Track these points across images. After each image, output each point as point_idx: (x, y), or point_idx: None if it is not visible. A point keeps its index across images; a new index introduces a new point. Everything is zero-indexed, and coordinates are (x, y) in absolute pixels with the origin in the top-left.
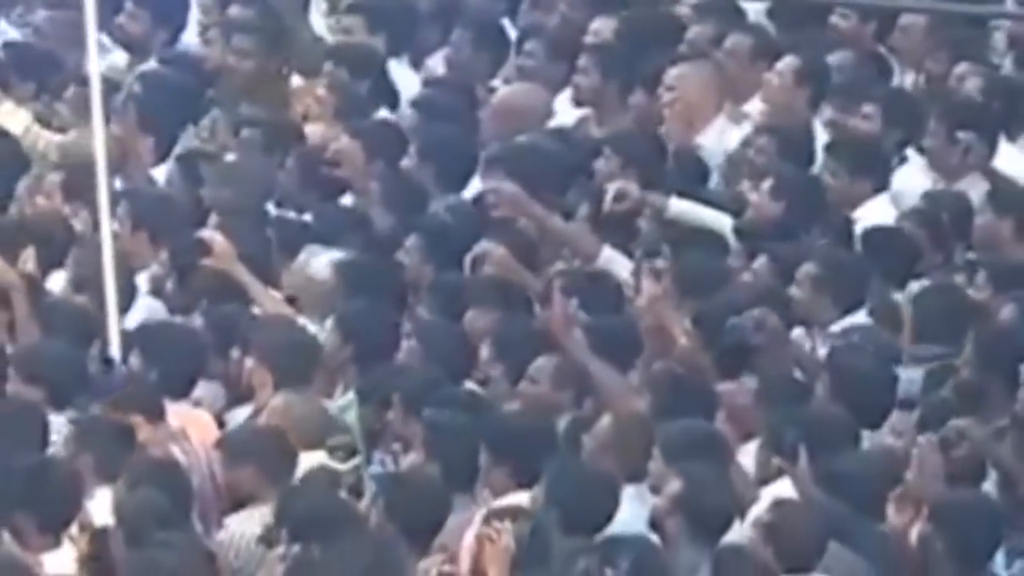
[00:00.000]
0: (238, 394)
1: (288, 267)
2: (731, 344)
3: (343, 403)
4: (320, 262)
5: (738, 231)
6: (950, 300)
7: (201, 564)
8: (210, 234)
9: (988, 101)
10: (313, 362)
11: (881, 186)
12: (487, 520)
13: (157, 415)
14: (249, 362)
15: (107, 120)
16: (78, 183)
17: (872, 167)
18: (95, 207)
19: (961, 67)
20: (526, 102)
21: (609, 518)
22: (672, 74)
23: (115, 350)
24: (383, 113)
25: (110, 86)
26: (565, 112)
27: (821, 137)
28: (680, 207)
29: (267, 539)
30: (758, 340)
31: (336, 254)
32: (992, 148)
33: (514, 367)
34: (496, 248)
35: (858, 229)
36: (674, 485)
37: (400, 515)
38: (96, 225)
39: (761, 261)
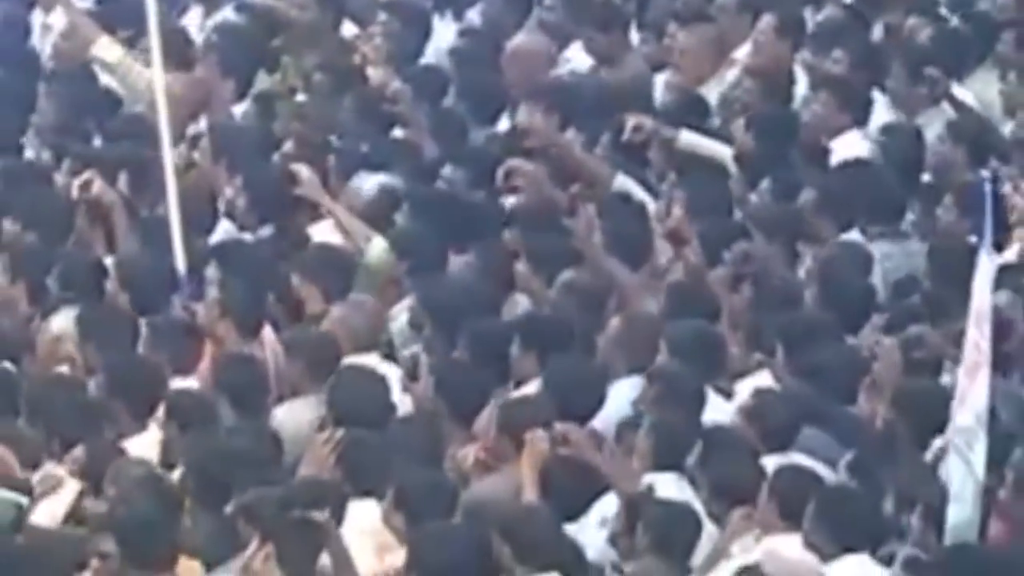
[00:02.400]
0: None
1: (344, 190)
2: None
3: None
4: (369, 183)
5: (737, 159)
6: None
7: (271, 447)
8: (298, 166)
9: (939, 48)
10: (351, 277)
11: (861, 121)
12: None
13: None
14: (296, 278)
15: (191, 66)
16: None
17: (851, 103)
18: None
19: (912, 20)
20: (533, 48)
21: (599, 404)
22: (676, 33)
23: (180, 264)
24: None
25: (188, 36)
26: (579, 59)
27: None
28: (688, 138)
29: (322, 426)
30: (746, 269)
31: (382, 178)
32: (949, 84)
33: (548, 277)
34: (525, 163)
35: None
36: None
37: (448, 398)
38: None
39: (763, 186)
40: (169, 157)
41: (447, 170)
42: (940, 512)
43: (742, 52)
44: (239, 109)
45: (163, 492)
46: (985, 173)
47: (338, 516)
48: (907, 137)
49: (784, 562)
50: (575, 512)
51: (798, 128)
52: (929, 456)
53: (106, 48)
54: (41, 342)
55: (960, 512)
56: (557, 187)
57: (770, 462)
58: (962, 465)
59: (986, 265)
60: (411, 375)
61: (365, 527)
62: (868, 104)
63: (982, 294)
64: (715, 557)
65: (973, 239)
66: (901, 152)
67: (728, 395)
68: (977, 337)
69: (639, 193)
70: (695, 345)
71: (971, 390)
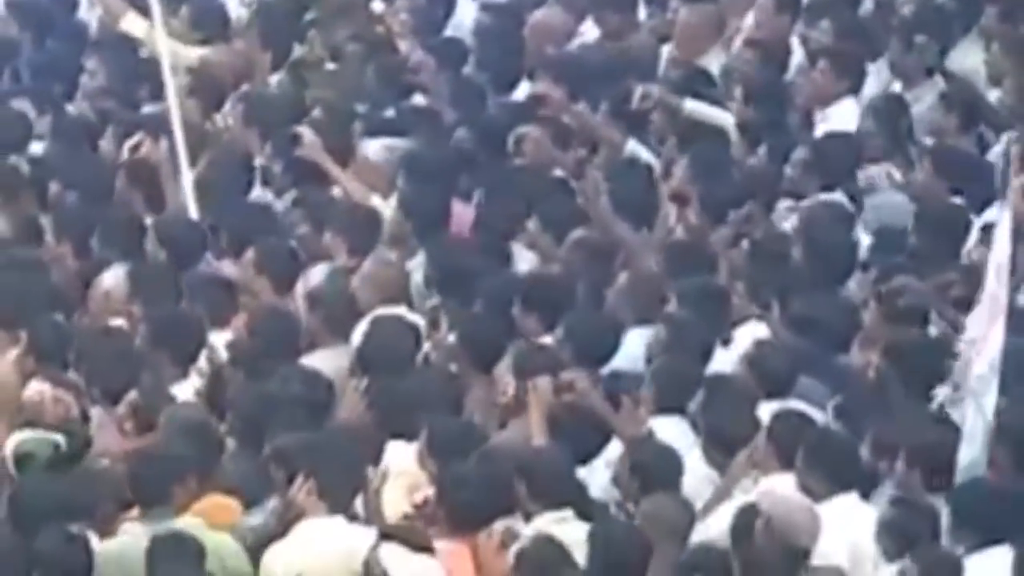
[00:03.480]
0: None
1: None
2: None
3: None
4: (374, 146)
5: (738, 126)
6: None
7: (323, 392)
8: (303, 129)
9: (926, 20)
10: (377, 232)
11: (855, 89)
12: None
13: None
14: (327, 234)
15: (229, 39)
16: (202, 87)
17: (846, 73)
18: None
19: None
20: (552, 23)
21: (612, 352)
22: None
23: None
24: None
25: (226, 12)
26: (591, 32)
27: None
28: (693, 106)
29: (354, 374)
30: (746, 229)
31: (388, 141)
32: (944, 51)
33: (558, 235)
34: (533, 130)
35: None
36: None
37: (468, 346)
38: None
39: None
40: (177, 118)
41: (463, 135)
42: (925, 456)
43: (742, 25)
44: (275, 79)
45: (207, 434)
46: (1005, 136)
47: (376, 456)
48: (893, 104)
49: (780, 501)
50: (580, 454)
51: (794, 96)
52: (936, 404)
53: (132, 22)
54: (93, 297)
55: (970, 451)
56: (567, 152)
57: (768, 408)
58: (975, 409)
59: (1006, 219)
60: (432, 327)
61: (398, 467)
62: (862, 73)
63: (1002, 246)
64: (717, 499)
65: (958, 199)
66: (889, 118)
67: (726, 343)
68: (995, 288)
69: (649, 158)
70: (701, 298)
71: (989, 338)
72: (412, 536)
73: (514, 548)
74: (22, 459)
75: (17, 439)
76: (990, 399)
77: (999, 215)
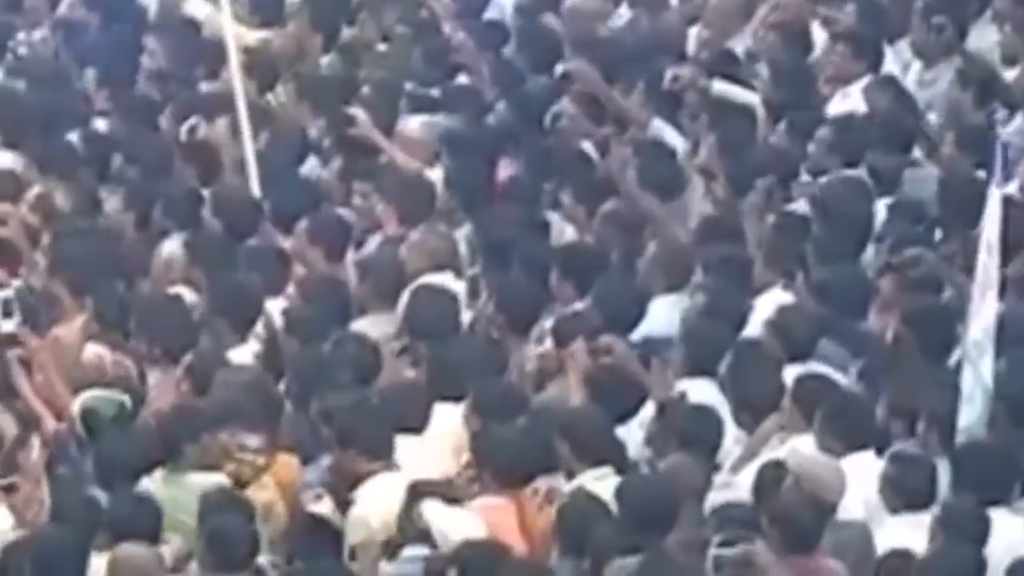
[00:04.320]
0: (368, 227)
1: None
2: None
3: None
4: (414, 122)
5: (765, 104)
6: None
7: (372, 356)
8: (355, 110)
9: (943, 2)
10: (427, 203)
11: (874, 69)
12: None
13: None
14: (380, 203)
15: (283, 22)
16: (258, 67)
17: (865, 54)
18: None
19: None
20: (587, 6)
21: (639, 319)
22: None
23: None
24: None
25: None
26: (626, 15)
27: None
28: (721, 87)
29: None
30: (769, 208)
31: (428, 118)
32: (961, 32)
33: (591, 208)
34: (568, 107)
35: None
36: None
37: (505, 312)
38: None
39: (781, 128)
40: (241, 97)
41: (503, 112)
42: (946, 416)
43: (766, 9)
44: (325, 60)
45: (266, 394)
46: (998, 115)
47: (423, 418)
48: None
49: (805, 458)
50: (615, 415)
51: (816, 76)
52: (952, 366)
53: (196, 6)
54: (154, 266)
55: (971, 414)
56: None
57: (791, 371)
58: (972, 373)
59: (996, 197)
60: (472, 294)
61: (445, 429)
62: (880, 54)
63: (992, 222)
64: (745, 459)
65: (979, 174)
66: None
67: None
68: (987, 261)
69: (672, 135)
70: (726, 267)
71: (981, 308)
72: (452, 492)
73: (555, 504)
74: (88, 416)
75: (84, 398)
76: (987, 363)
77: (989, 192)
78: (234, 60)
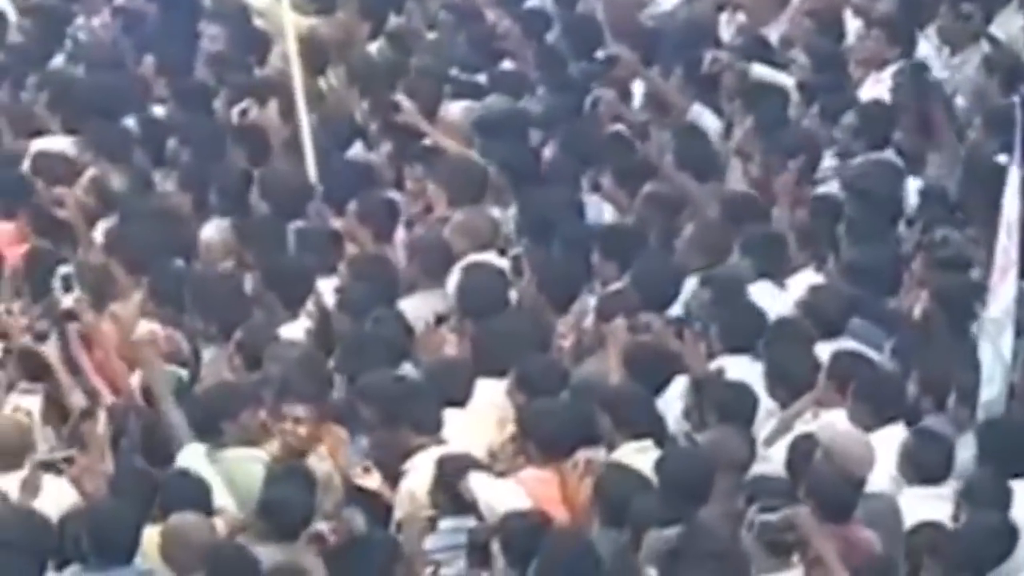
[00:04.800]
0: (417, 208)
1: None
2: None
3: None
4: (456, 108)
5: (799, 86)
6: None
7: (404, 335)
8: (400, 97)
9: None
10: (475, 185)
11: (908, 55)
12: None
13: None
14: (431, 185)
15: (332, 11)
16: (308, 53)
17: (898, 40)
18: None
19: None
20: None
21: (675, 297)
22: None
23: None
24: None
25: None
26: (667, 2)
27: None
28: (757, 70)
29: (440, 319)
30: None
31: (470, 103)
32: (988, 18)
33: (631, 189)
34: (608, 92)
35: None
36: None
37: (548, 289)
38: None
39: (813, 112)
40: (299, 85)
41: (546, 97)
42: (973, 391)
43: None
44: (373, 46)
45: (315, 369)
46: (1016, 98)
47: (466, 393)
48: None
49: (836, 431)
50: (654, 389)
51: (848, 61)
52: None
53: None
54: (207, 245)
55: (990, 391)
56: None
57: (824, 348)
58: (992, 351)
59: (1016, 179)
60: (516, 272)
61: (489, 402)
62: (913, 40)
63: (1012, 205)
64: (779, 432)
65: (1002, 156)
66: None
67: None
68: (1007, 243)
69: (710, 119)
70: (761, 246)
71: (1000, 288)
72: (489, 465)
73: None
74: (148, 391)
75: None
76: (1006, 341)
77: (1010, 173)
78: (292, 48)
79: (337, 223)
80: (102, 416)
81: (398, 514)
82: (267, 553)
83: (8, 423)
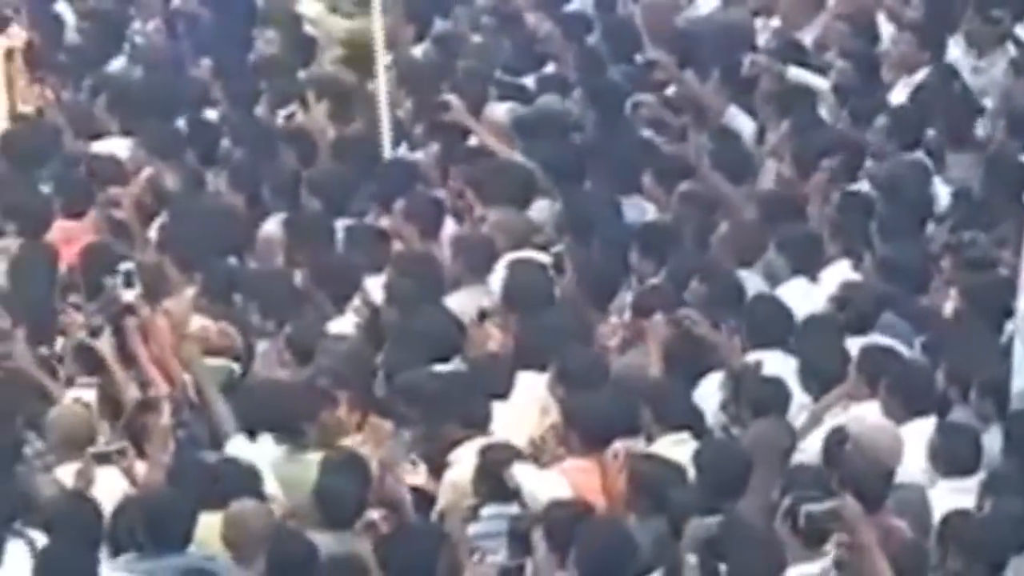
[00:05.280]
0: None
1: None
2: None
3: None
4: (500, 109)
5: (835, 89)
6: None
7: (454, 331)
8: (449, 97)
9: None
10: (518, 186)
11: (938, 58)
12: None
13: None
14: (468, 189)
15: (382, 11)
16: (356, 56)
17: (929, 43)
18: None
19: None
20: None
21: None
22: None
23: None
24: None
25: None
26: (705, 6)
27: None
28: (795, 72)
29: (483, 314)
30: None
31: (513, 105)
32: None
33: (668, 189)
34: (648, 96)
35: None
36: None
37: (588, 285)
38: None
39: (845, 113)
40: (383, 85)
41: (583, 99)
42: (1000, 385)
43: (833, 1)
44: (418, 49)
45: (362, 363)
46: None
47: (507, 386)
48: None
49: (865, 424)
50: (693, 382)
51: (881, 64)
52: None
53: (307, 4)
54: (259, 242)
55: (1021, 383)
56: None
57: (854, 343)
58: (1022, 343)
59: None
60: (557, 268)
61: (531, 394)
62: (943, 44)
63: None
64: (810, 424)
65: None
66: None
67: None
68: None
69: (745, 121)
70: (795, 243)
71: None
72: (528, 454)
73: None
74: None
75: (198, 365)
76: None
77: None
78: (381, 62)
79: (384, 221)
80: (165, 408)
81: (441, 504)
82: (320, 541)
83: (72, 414)
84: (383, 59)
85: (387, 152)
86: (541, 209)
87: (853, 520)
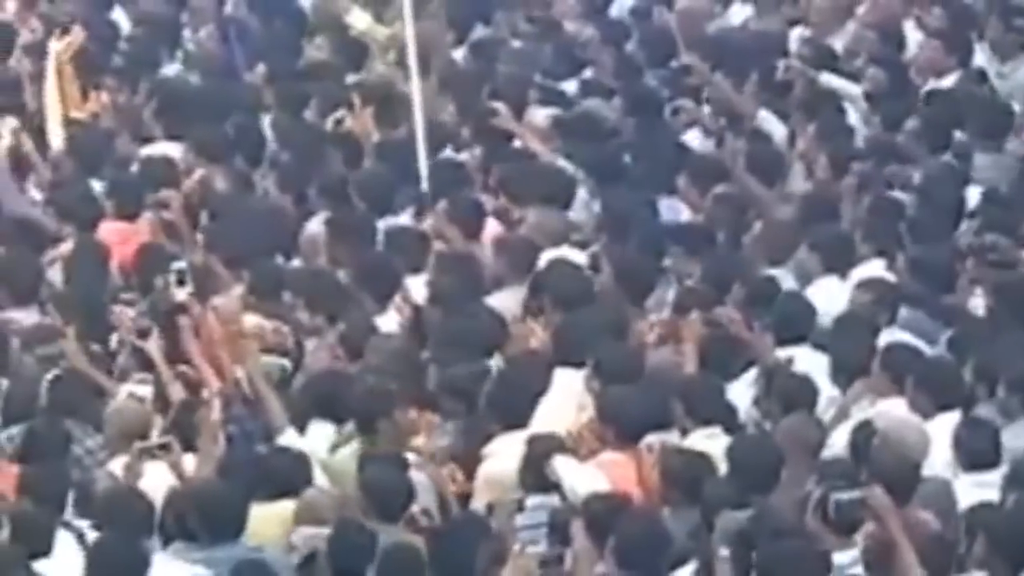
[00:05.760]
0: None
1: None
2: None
3: None
4: (541, 114)
5: (867, 95)
6: None
7: (497, 328)
8: (496, 103)
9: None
10: (556, 187)
11: (964, 63)
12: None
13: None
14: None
15: (426, 17)
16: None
17: (956, 50)
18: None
19: None
20: (698, 7)
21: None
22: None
23: (423, 181)
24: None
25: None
26: (737, 16)
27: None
28: (827, 78)
29: (524, 312)
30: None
31: (553, 110)
32: None
33: (704, 189)
34: (685, 101)
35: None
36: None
37: (625, 283)
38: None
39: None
40: (417, 94)
41: (623, 103)
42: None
43: (862, 10)
44: (458, 53)
45: (410, 360)
46: None
47: (544, 382)
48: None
49: (892, 419)
50: (726, 378)
51: (909, 70)
52: None
53: (357, 17)
54: (304, 242)
55: None
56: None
57: (882, 337)
58: None
59: None
60: (593, 267)
61: (569, 389)
62: (970, 51)
63: None
64: (838, 418)
65: None
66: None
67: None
68: None
69: (777, 125)
70: (826, 243)
71: None
72: (569, 446)
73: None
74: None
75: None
76: None
77: None
78: (415, 69)
79: (426, 222)
80: (216, 403)
81: (477, 497)
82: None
83: (128, 409)
84: (414, 65)
85: (421, 155)
86: (579, 209)
87: (881, 509)
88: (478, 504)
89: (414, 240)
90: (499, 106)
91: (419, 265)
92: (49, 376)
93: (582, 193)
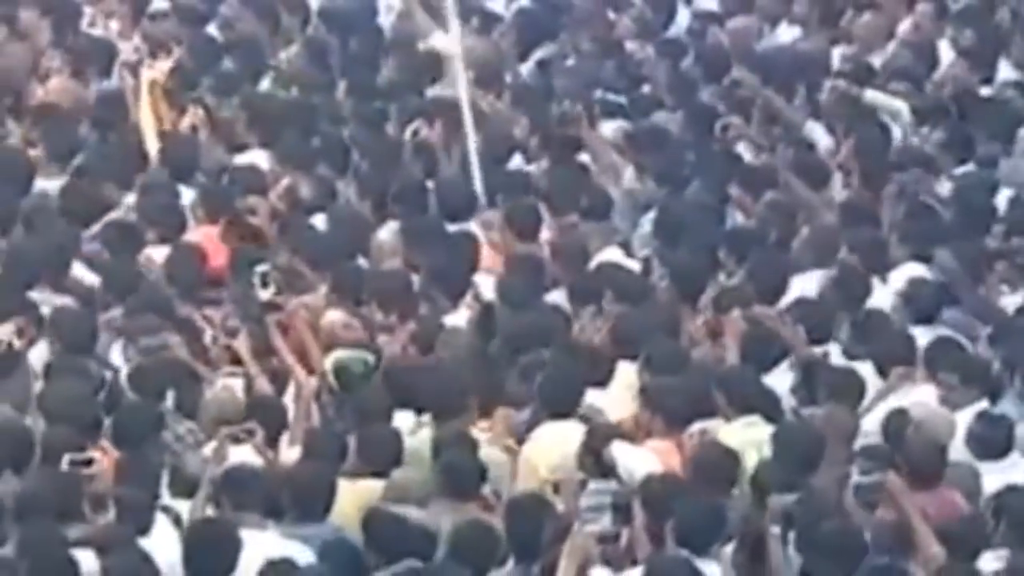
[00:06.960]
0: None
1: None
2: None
3: None
4: (609, 127)
5: (914, 110)
6: None
7: (560, 324)
8: (576, 111)
9: None
10: (600, 198)
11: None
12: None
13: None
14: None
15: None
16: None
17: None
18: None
19: None
20: (746, 26)
21: (783, 286)
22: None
23: (478, 188)
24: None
25: (493, 19)
26: (784, 35)
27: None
28: (871, 95)
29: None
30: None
31: (619, 123)
32: None
33: (752, 192)
34: (735, 117)
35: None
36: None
37: (679, 282)
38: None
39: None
40: (467, 105)
41: (679, 118)
42: None
43: (901, 30)
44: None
45: (482, 355)
46: None
47: (606, 375)
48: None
49: (926, 408)
50: (765, 370)
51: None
52: None
53: (439, 39)
54: (380, 245)
55: None
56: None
57: (918, 332)
58: None
59: None
60: (644, 271)
61: (626, 381)
62: (994, 67)
63: None
64: (875, 401)
65: None
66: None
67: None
68: None
69: (823, 136)
70: (866, 246)
71: None
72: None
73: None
74: (339, 372)
75: (336, 356)
76: None
77: None
78: (462, 76)
79: (486, 226)
80: (307, 390)
81: (518, 479)
82: (438, 511)
83: (224, 397)
84: (463, 80)
85: (474, 163)
86: (636, 215)
87: (896, 492)
88: (521, 486)
89: (470, 244)
90: (579, 113)
91: (474, 267)
92: (147, 364)
93: (619, 205)
